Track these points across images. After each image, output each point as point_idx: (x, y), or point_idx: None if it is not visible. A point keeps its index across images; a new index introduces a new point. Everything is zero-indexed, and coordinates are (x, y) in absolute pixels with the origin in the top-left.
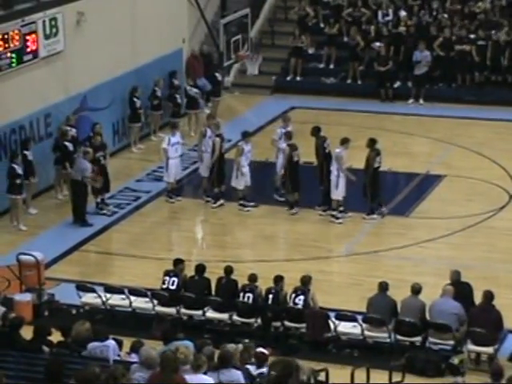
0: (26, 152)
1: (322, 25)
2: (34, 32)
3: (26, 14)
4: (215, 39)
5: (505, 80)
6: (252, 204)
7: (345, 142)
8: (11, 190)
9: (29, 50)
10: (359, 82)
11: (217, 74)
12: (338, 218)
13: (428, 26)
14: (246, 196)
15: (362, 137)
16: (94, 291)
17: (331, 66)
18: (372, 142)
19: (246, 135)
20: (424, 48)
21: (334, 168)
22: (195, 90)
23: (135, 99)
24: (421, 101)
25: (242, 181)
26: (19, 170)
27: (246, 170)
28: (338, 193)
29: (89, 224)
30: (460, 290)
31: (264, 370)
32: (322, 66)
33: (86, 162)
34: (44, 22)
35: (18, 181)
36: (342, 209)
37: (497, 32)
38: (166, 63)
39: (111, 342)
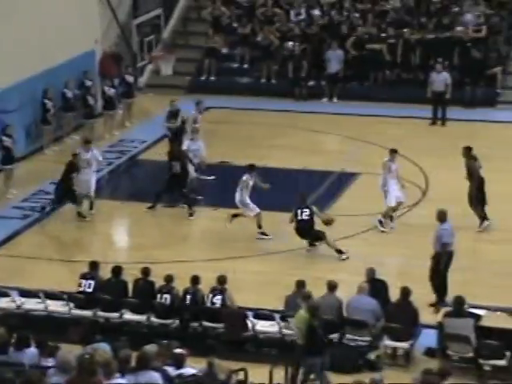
0: None
1: (235, 25)
2: None
3: None
4: (128, 40)
5: (416, 78)
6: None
7: (392, 152)
8: None
9: None
10: (273, 81)
11: (127, 76)
12: (381, 223)
13: (340, 25)
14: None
15: (277, 135)
16: (7, 295)
17: (245, 66)
18: (468, 150)
19: (251, 168)
20: (336, 47)
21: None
22: (112, 90)
23: (46, 101)
24: (334, 99)
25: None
26: None
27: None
28: (388, 200)
29: None
30: (375, 286)
31: (182, 370)
32: (235, 65)
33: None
34: None
35: None
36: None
37: (408, 31)
38: (78, 64)
39: (31, 350)
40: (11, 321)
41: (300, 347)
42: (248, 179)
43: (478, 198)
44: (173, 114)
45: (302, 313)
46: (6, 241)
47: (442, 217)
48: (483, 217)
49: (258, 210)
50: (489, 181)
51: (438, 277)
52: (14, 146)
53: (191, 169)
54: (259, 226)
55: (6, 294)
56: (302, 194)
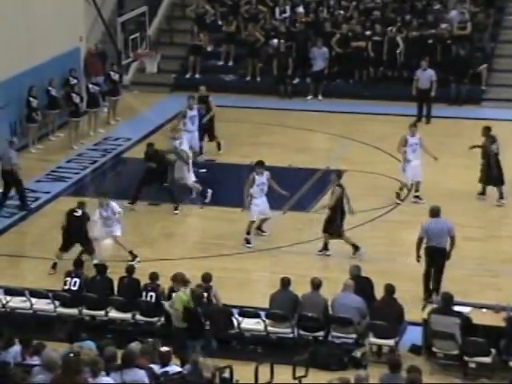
0: None
1: (219, 22)
2: None
3: None
4: (113, 37)
5: (400, 75)
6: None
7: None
8: None
9: None
10: (258, 79)
11: (112, 73)
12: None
13: (324, 22)
14: (260, 226)
15: (262, 133)
16: None
17: (230, 64)
18: (487, 130)
19: (258, 165)
20: (321, 45)
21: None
22: (97, 87)
23: (31, 99)
24: (319, 97)
25: (254, 211)
26: None
27: (258, 201)
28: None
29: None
30: (360, 284)
31: (168, 368)
32: (220, 63)
33: (12, 151)
34: None
35: None
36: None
37: (392, 28)
38: (63, 62)
39: (14, 349)
40: None
41: (181, 330)
42: (253, 175)
43: (490, 176)
44: (201, 99)
45: (181, 294)
46: None
47: (435, 213)
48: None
49: (254, 218)
50: (474, 178)
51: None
52: None
53: (188, 171)
54: (248, 233)
55: None
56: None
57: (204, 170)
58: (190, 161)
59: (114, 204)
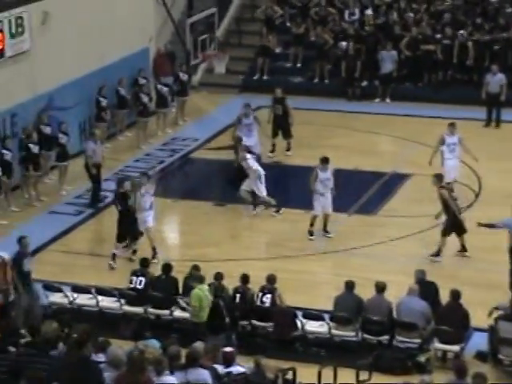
0: (3, 151)
1: (288, 24)
2: (0, 31)
3: None
4: (182, 38)
5: (470, 79)
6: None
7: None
8: None
9: None
10: (326, 81)
11: (181, 73)
12: None
13: (394, 25)
14: (325, 226)
15: (329, 136)
16: (61, 291)
17: (298, 65)
18: None
19: (323, 161)
20: (390, 47)
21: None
22: (166, 88)
23: (101, 98)
24: (387, 100)
25: (317, 206)
26: None
27: (321, 197)
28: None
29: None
30: (424, 288)
31: (231, 369)
32: (289, 65)
33: (90, 142)
34: (10, 21)
35: None
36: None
37: (463, 32)
38: (132, 62)
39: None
40: (63, 316)
41: (202, 325)
42: (316, 171)
43: None
44: (277, 101)
45: (197, 291)
46: (59, 236)
47: None
48: None
49: (318, 213)
50: None
51: None
52: (68, 143)
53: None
54: (324, 226)
55: (58, 289)
56: None
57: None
58: (262, 176)
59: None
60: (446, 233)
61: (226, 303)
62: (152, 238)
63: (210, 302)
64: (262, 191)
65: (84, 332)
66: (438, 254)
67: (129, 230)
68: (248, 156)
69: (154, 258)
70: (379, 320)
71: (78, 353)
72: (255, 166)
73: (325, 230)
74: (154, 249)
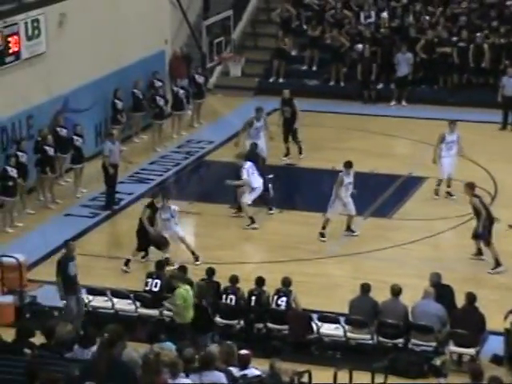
0: (18, 153)
1: (304, 27)
2: (16, 33)
3: (7, 15)
4: (198, 41)
5: (486, 82)
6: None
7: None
8: (2, 192)
9: (11, 51)
10: (342, 84)
11: (196, 76)
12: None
13: (410, 27)
14: (350, 226)
15: (345, 138)
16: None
17: (314, 68)
18: None
19: (346, 166)
20: (406, 50)
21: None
22: (182, 91)
23: (117, 101)
24: (403, 102)
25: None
26: (12, 173)
27: (347, 200)
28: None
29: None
30: (440, 291)
31: (246, 371)
32: (304, 67)
33: (107, 143)
34: (26, 23)
35: (11, 183)
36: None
37: (479, 35)
38: (148, 64)
39: (93, 348)
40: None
41: (186, 325)
42: (342, 177)
43: None
44: (285, 102)
45: (181, 290)
46: (75, 239)
47: None
48: None
49: (329, 216)
50: None
51: None
52: (84, 146)
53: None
54: (348, 227)
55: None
56: None
57: (271, 176)
58: (257, 189)
59: (173, 206)
60: (489, 242)
61: (209, 302)
62: (188, 243)
63: (193, 301)
64: (247, 200)
65: (114, 332)
66: (498, 264)
67: (149, 241)
68: (246, 165)
69: (197, 260)
70: (395, 323)
71: (109, 352)
72: (245, 176)
73: (350, 230)
74: (193, 253)
